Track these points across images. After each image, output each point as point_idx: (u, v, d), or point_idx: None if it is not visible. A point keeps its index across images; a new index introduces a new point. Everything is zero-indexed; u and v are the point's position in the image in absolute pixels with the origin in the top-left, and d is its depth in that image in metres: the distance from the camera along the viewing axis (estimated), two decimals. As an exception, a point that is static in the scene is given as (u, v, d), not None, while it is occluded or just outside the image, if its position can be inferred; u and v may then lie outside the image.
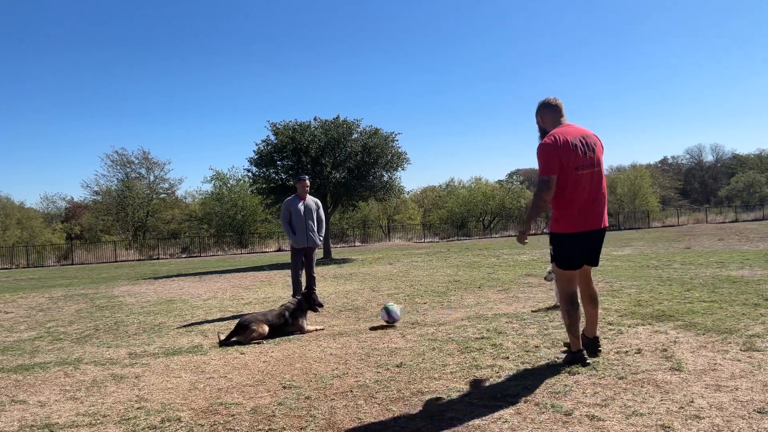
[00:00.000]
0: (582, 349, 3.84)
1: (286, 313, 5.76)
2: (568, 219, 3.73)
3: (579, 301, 3.91)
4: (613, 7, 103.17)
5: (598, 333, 4.12)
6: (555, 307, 6.16)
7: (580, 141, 3.70)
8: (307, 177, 7.89)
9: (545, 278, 6.95)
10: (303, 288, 7.50)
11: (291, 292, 7.95)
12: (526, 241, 3.88)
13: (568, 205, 3.71)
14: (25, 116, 73.29)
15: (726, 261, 10.16)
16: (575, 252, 3.79)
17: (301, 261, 7.65)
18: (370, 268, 14.09)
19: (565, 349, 4.13)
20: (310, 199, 7.75)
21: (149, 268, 21.74)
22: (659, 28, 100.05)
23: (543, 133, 3.91)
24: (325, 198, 19.46)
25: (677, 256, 11.75)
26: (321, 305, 6.31)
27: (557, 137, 3.68)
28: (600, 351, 4.03)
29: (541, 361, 4.01)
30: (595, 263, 3.95)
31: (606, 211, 3.88)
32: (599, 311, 4.09)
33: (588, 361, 3.80)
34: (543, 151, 3.69)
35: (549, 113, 3.93)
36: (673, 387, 3.27)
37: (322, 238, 7.78)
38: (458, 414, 3.07)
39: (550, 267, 6.50)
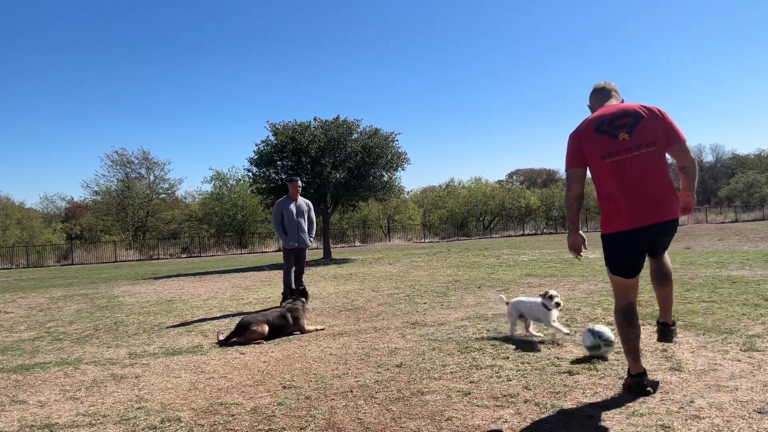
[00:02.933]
0: (642, 373, 3.20)
1: (288, 315, 5.76)
2: (612, 216, 3.18)
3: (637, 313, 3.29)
4: (613, 6, 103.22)
5: (672, 317, 3.49)
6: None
7: (610, 123, 3.16)
8: (298, 179, 7.95)
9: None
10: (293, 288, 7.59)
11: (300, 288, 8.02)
12: (581, 256, 3.38)
13: (608, 201, 3.19)
14: (25, 116, 73.32)
15: (726, 261, 10.16)
16: (626, 255, 3.19)
17: (294, 261, 7.68)
18: (370, 268, 14.08)
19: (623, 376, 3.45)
20: (302, 200, 7.82)
21: (149, 268, 21.74)
22: (659, 28, 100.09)
23: None
24: (325, 198, 19.46)
25: (677, 256, 11.75)
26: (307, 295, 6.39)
27: (581, 125, 3.27)
28: (674, 337, 3.47)
29: (541, 361, 4.01)
30: (658, 252, 3.33)
31: (669, 200, 3.14)
32: (673, 290, 3.43)
33: (648, 388, 3.17)
34: (568, 143, 3.31)
35: (594, 100, 3.50)
36: (673, 387, 3.27)
37: (312, 239, 7.84)
38: (458, 414, 3.07)
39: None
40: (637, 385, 3.18)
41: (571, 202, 3.29)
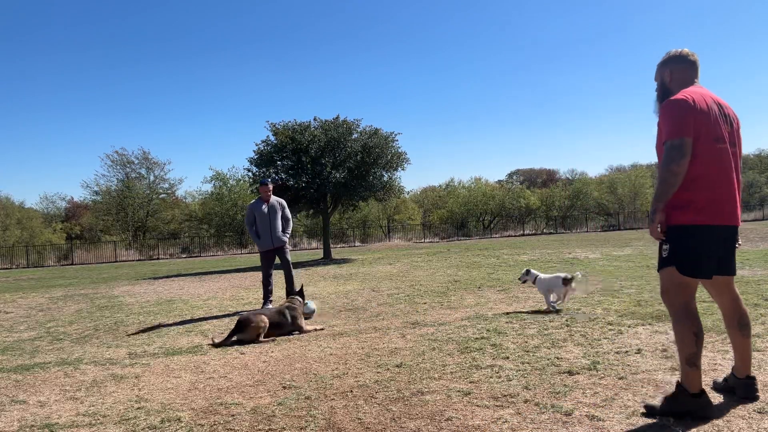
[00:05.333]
0: (704, 391, 2.83)
1: (286, 312, 5.77)
2: (700, 206, 2.79)
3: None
4: (613, 6, 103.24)
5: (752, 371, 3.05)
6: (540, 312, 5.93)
7: (718, 108, 2.91)
8: (269, 181, 7.94)
9: (519, 279, 6.53)
10: (273, 292, 7.70)
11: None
12: (662, 233, 2.88)
13: (701, 187, 2.79)
14: (25, 116, 73.34)
15: (726, 261, 10.14)
16: (706, 253, 2.83)
17: (271, 261, 7.69)
18: (370, 268, 14.08)
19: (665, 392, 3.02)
20: (274, 200, 7.80)
21: (149, 268, 21.74)
22: (659, 28, 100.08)
23: (665, 95, 3.04)
24: (325, 198, 19.46)
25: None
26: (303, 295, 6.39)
27: (693, 96, 2.85)
28: (758, 395, 2.96)
29: (541, 361, 4.01)
30: (732, 270, 2.99)
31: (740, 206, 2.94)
32: (750, 342, 3.04)
33: (712, 411, 2.80)
34: (673, 109, 2.83)
35: (681, 69, 3.04)
36: (674, 387, 3.26)
37: (287, 236, 7.81)
38: (458, 414, 3.07)
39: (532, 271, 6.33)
40: (703, 406, 2.81)
41: (674, 178, 2.77)
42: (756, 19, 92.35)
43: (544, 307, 6.05)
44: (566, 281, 5.94)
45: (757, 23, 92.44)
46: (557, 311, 5.87)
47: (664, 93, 3.08)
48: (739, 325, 3.00)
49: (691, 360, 2.79)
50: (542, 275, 6.26)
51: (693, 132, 2.78)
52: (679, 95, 2.88)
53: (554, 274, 6.16)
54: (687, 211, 2.81)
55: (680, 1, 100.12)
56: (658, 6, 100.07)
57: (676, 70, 3.05)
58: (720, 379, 3.21)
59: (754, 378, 3.00)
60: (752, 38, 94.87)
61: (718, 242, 2.85)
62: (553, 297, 6.02)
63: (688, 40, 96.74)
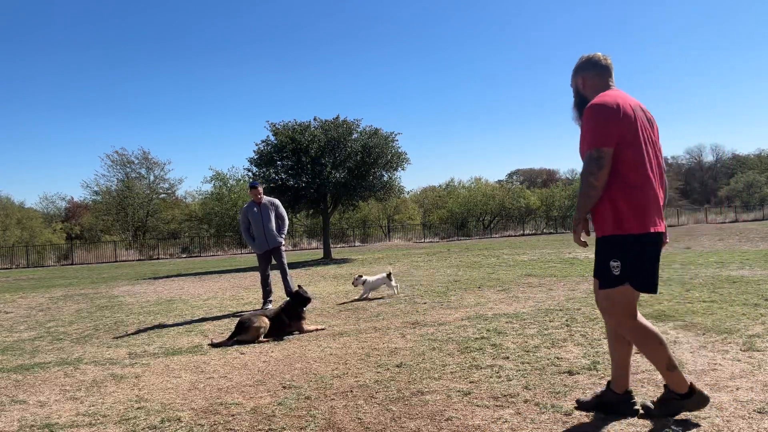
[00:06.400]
0: (693, 385, 2.74)
1: (283, 315, 5.75)
2: (642, 214, 2.65)
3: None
4: (612, 6, 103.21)
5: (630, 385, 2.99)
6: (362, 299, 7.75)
7: (642, 112, 2.79)
8: (259, 184, 7.90)
9: (353, 283, 8.05)
10: (272, 293, 7.69)
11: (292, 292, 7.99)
12: (585, 241, 2.75)
13: (639, 195, 2.66)
14: (25, 116, 73.35)
15: (726, 261, 10.16)
16: (656, 264, 2.70)
17: (268, 262, 7.68)
18: (370, 268, 14.08)
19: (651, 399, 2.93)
20: (266, 200, 7.75)
21: (149, 268, 21.74)
22: (659, 28, 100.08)
23: (581, 101, 2.92)
24: (325, 198, 19.46)
25: (677, 256, 11.75)
26: (309, 299, 6.25)
27: (617, 101, 2.70)
28: (638, 411, 2.87)
29: (541, 361, 4.01)
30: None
31: None
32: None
33: (706, 401, 2.74)
34: (596, 114, 2.68)
35: (594, 74, 2.91)
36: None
37: (283, 235, 7.76)
38: (458, 414, 3.07)
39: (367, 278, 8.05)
40: (701, 400, 2.74)
41: (593, 190, 2.66)
42: (756, 19, 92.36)
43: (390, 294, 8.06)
44: (389, 276, 8.09)
45: (757, 23, 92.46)
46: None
47: (580, 100, 2.97)
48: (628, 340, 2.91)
49: (670, 364, 2.73)
50: (371, 278, 8.18)
51: (618, 138, 2.65)
52: (602, 99, 2.73)
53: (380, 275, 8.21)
54: (625, 220, 2.67)
55: (681, 0, 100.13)
56: (658, 5, 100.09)
57: (589, 76, 2.94)
58: (587, 397, 3.05)
59: (631, 392, 2.93)
60: (752, 38, 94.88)
61: (659, 251, 2.74)
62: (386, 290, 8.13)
63: (689, 40, 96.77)
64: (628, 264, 2.67)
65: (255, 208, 7.67)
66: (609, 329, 2.98)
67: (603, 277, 2.75)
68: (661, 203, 2.76)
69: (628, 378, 2.93)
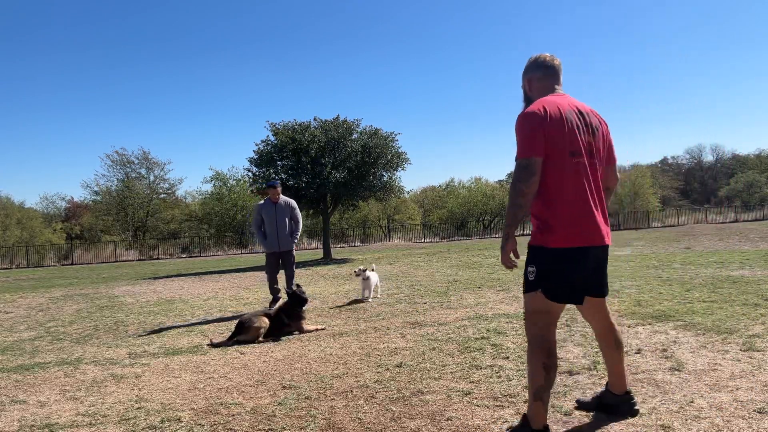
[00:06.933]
0: (548, 428, 2.63)
1: (282, 315, 5.75)
2: (562, 226, 2.60)
3: (553, 353, 2.71)
4: (613, 6, 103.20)
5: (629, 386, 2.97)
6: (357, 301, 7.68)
7: (577, 117, 2.67)
8: (278, 184, 7.77)
9: (355, 273, 7.92)
10: (280, 291, 7.60)
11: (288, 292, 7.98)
12: (516, 262, 2.69)
13: (561, 206, 2.61)
14: (25, 116, 73.37)
15: (726, 261, 10.16)
16: (572, 277, 2.63)
17: (276, 264, 7.62)
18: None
19: (510, 425, 2.81)
20: (284, 201, 7.65)
21: (149, 268, 21.75)
22: (659, 28, 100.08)
23: (528, 103, 2.82)
24: (325, 198, 19.47)
25: (677, 256, 11.75)
26: (306, 300, 6.26)
27: (546, 107, 2.62)
28: (638, 410, 2.89)
29: (541, 361, 4.01)
30: (604, 291, 2.85)
31: (608, 224, 2.77)
32: (624, 358, 2.95)
33: None
34: (524, 124, 2.61)
35: (540, 76, 2.83)
36: (673, 387, 3.27)
37: (296, 239, 7.69)
38: (458, 414, 3.07)
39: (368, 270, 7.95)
40: None
41: (522, 199, 2.57)
42: (756, 19, 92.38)
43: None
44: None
45: (757, 23, 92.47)
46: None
47: (527, 103, 2.85)
48: (615, 345, 2.89)
49: (538, 393, 2.60)
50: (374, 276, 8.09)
51: (544, 148, 2.56)
52: (531, 107, 2.66)
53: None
54: (549, 231, 2.63)
55: (681, 0, 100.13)
56: (658, 5, 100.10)
57: (535, 78, 2.85)
58: (588, 398, 3.05)
59: (630, 392, 2.91)
60: (752, 38, 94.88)
61: (584, 264, 2.63)
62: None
63: (689, 40, 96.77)
64: (543, 272, 2.64)
65: (271, 207, 7.60)
66: (596, 336, 3.00)
67: (523, 281, 2.76)
68: (596, 214, 2.63)
69: (624, 380, 2.91)
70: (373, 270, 8.08)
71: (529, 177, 2.54)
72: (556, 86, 2.83)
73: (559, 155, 2.58)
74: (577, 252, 2.60)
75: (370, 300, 7.75)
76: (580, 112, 2.69)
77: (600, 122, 2.77)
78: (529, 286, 2.70)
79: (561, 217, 2.60)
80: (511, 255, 2.66)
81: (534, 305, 2.69)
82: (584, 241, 2.61)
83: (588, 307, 2.86)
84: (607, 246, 2.73)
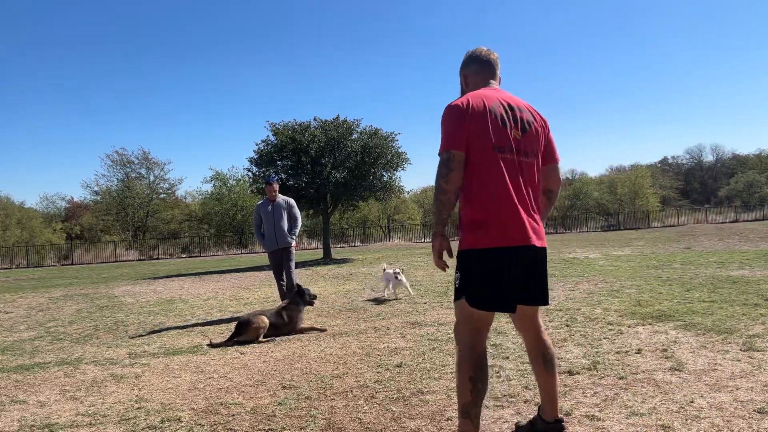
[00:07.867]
0: None
1: (284, 313, 5.76)
2: (483, 226, 2.41)
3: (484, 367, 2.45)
4: (613, 5, 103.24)
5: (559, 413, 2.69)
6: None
7: (505, 111, 2.51)
8: (275, 181, 7.72)
9: (395, 274, 7.94)
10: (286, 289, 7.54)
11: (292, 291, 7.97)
12: (446, 263, 2.51)
13: (482, 204, 2.43)
14: (25, 116, 73.38)
15: (726, 261, 10.16)
16: (497, 282, 2.40)
17: (279, 264, 7.60)
18: (370, 268, 14.08)
19: None
20: (281, 199, 7.59)
21: (149, 268, 21.75)
22: (659, 28, 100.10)
23: None
24: (325, 198, 19.47)
25: (677, 256, 11.75)
26: (314, 297, 6.30)
27: (470, 100, 2.49)
28: None
29: (541, 361, 4.01)
30: (544, 300, 2.58)
31: (542, 226, 2.57)
32: (557, 380, 2.69)
33: None
34: (445, 118, 2.48)
35: (475, 71, 2.70)
36: (673, 387, 3.27)
37: (294, 236, 7.65)
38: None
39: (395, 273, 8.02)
40: None
41: (444, 196, 2.42)
42: (756, 19, 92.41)
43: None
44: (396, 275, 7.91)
45: (757, 23, 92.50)
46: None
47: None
48: (543, 361, 2.63)
49: (465, 409, 2.39)
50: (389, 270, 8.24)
51: (466, 143, 2.42)
52: (455, 100, 2.53)
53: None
54: (471, 232, 2.44)
55: (681, 0, 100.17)
56: (658, 5, 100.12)
57: (470, 73, 2.72)
58: (524, 422, 2.81)
59: (562, 420, 2.66)
60: (752, 38, 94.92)
61: (512, 268, 2.40)
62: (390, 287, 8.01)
63: (689, 40, 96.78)
64: (465, 278, 2.47)
65: (268, 206, 7.57)
66: (527, 351, 2.77)
67: (454, 288, 2.57)
68: (521, 212, 2.43)
69: (556, 405, 2.66)
70: (402, 271, 8.40)
71: (448, 172, 2.40)
72: (492, 81, 2.70)
73: (481, 149, 2.43)
74: (499, 253, 2.39)
75: (396, 297, 8.01)
76: (510, 107, 2.54)
77: (535, 118, 2.60)
78: (456, 294, 2.52)
79: (482, 216, 2.42)
80: (445, 255, 2.50)
81: (461, 313, 2.50)
82: (507, 242, 2.39)
83: (520, 317, 2.64)
84: (541, 249, 2.50)
